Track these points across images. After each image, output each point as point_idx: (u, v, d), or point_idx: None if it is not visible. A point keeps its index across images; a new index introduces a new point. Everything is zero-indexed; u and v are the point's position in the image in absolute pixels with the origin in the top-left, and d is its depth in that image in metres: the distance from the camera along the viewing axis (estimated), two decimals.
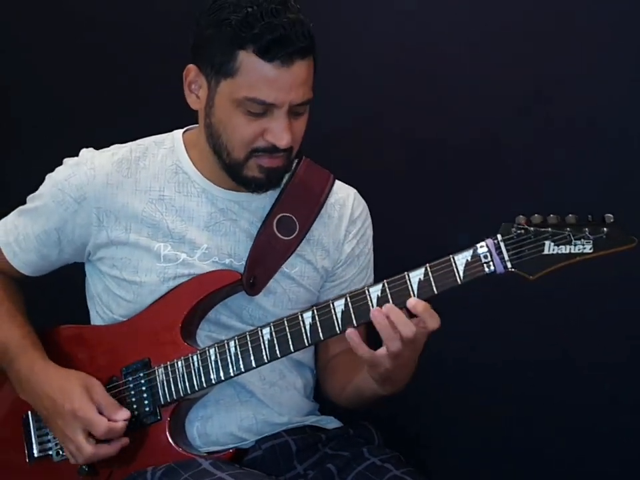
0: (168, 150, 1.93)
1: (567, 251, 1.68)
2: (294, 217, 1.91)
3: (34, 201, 1.96)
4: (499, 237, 1.70)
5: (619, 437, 2.31)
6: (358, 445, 1.93)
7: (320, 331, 1.77)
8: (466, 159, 2.36)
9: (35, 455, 1.93)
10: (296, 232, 1.91)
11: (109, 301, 1.94)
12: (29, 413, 1.94)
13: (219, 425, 1.91)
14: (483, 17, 2.33)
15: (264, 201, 1.91)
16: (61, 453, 1.91)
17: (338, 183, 2.00)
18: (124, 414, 1.82)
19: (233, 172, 1.85)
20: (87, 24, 2.60)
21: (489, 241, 1.71)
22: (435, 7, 2.37)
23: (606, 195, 2.21)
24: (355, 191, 2.03)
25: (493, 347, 2.36)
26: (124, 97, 2.59)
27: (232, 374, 1.82)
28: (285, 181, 1.93)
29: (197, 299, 1.87)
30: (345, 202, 1.99)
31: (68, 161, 1.94)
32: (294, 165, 1.95)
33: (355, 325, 1.76)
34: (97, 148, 1.96)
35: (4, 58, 2.67)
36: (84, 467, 1.87)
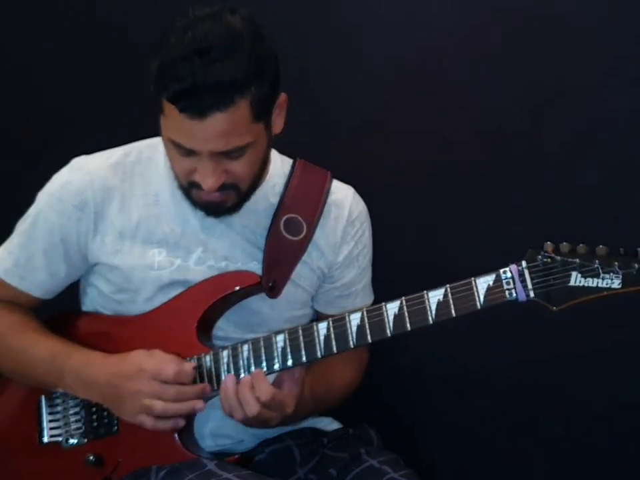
0: (162, 153, 1.86)
1: (594, 285, 1.61)
2: (299, 217, 1.89)
3: (25, 222, 1.90)
4: (524, 263, 1.65)
5: (620, 436, 2.27)
6: (356, 446, 1.91)
7: (334, 343, 1.74)
8: (494, 177, 2.29)
9: (45, 441, 1.93)
10: (304, 231, 1.89)
11: (105, 311, 1.92)
12: (42, 397, 1.93)
13: (226, 429, 1.91)
14: (486, 18, 2.25)
15: (256, 204, 1.86)
16: (70, 440, 1.90)
17: (335, 182, 1.96)
18: (190, 364, 1.79)
19: (183, 193, 1.81)
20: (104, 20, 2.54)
21: (513, 267, 1.65)
22: (439, 10, 2.28)
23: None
24: (353, 190, 1.98)
25: (494, 349, 2.31)
26: (127, 98, 2.47)
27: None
28: (283, 184, 1.90)
29: (214, 299, 1.85)
30: (343, 202, 1.94)
31: (61, 172, 1.89)
32: (290, 166, 1.93)
33: (370, 340, 1.73)
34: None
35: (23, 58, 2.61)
36: (90, 457, 1.87)
